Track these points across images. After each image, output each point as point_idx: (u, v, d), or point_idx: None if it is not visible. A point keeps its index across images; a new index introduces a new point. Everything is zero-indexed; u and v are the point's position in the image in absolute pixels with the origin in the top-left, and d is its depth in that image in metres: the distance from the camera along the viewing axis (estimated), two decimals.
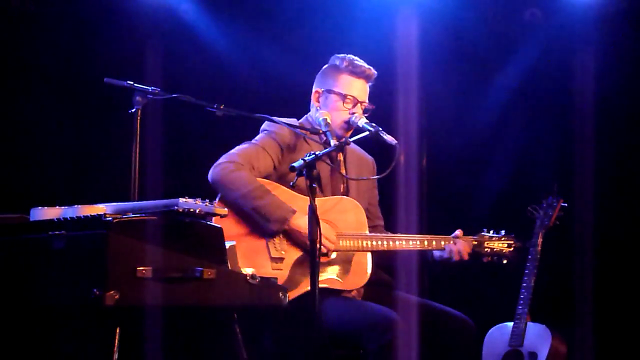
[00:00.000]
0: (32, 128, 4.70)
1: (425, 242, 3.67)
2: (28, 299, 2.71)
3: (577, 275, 4.88)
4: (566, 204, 4.39)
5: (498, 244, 3.82)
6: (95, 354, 2.81)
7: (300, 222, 3.40)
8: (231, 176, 3.44)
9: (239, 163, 3.48)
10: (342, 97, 3.65)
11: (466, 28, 5.35)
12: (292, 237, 3.45)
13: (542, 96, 5.42)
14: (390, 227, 3.93)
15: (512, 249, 3.83)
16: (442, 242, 3.69)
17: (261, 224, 3.41)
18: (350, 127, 3.64)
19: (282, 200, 3.44)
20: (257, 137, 3.64)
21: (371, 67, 3.70)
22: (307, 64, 3.99)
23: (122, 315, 2.60)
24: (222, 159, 3.52)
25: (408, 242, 3.64)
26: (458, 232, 3.74)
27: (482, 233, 3.83)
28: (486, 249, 3.80)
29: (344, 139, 3.32)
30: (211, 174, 3.49)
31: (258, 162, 3.53)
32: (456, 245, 3.68)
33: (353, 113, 3.63)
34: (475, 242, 3.79)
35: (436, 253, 3.71)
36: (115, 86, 3.42)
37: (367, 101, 3.69)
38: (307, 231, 3.23)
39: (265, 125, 3.68)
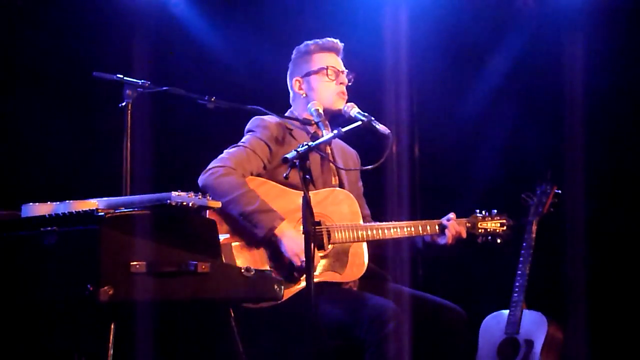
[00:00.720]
0: (21, 124, 4.66)
1: (420, 228, 3.67)
2: (21, 296, 2.69)
3: (571, 261, 4.88)
4: (560, 191, 4.40)
5: (491, 223, 3.83)
6: (90, 350, 2.79)
7: (288, 231, 3.39)
8: (220, 180, 3.42)
9: (229, 167, 3.46)
10: (323, 71, 3.69)
11: (455, 16, 5.34)
12: (280, 243, 3.40)
13: (532, 83, 5.40)
14: (383, 217, 3.91)
15: (505, 227, 3.83)
16: (436, 226, 3.69)
17: (249, 229, 3.39)
18: (345, 95, 3.68)
19: (271, 207, 3.41)
20: (244, 139, 3.63)
21: (336, 40, 3.76)
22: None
23: (117, 311, 2.58)
24: (212, 164, 3.50)
25: (403, 229, 3.63)
26: (451, 214, 3.74)
27: (475, 214, 3.83)
28: (480, 230, 3.80)
29: (337, 130, 3.29)
30: (201, 179, 3.47)
31: (248, 164, 3.52)
32: (452, 226, 3.67)
33: (341, 83, 3.68)
34: (469, 224, 3.79)
35: (427, 237, 3.71)
36: (105, 80, 3.38)
37: (345, 70, 3.73)
38: (294, 240, 3.34)
39: (250, 125, 3.67)
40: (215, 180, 3.42)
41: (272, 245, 3.41)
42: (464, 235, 3.73)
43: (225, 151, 3.57)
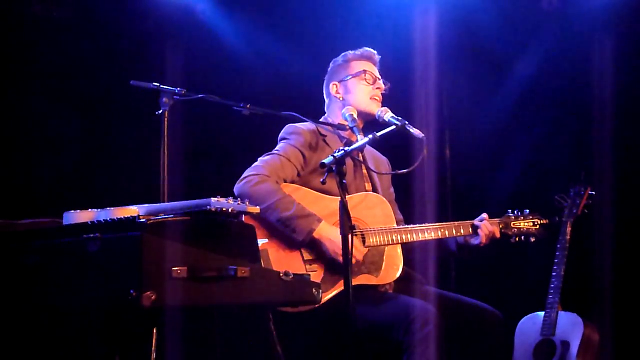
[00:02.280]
0: (58, 133, 4.73)
1: (453, 229, 3.68)
2: (65, 303, 2.72)
3: (605, 262, 4.86)
4: (594, 192, 4.39)
5: (524, 223, 3.84)
6: (131, 355, 2.83)
7: (328, 231, 3.42)
8: (257, 188, 3.46)
9: (263, 175, 3.50)
10: (361, 75, 3.76)
11: (484, 20, 5.34)
12: (319, 245, 3.45)
13: (562, 85, 5.40)
14: (414, 221, 3.91)
15: (538, 226, 3.86)
16: (469, 227, 3.70)
17: (288, 234, 3.43)
18: (380, 100, 3.74)
19: (309, 210, 3.45)
20: (278, 147, 3.67)
21: (374, 51, 3.84)
22: (324, 61, 4.00)
23: (159, 316, 2.61)
24: (247, 172, 3.54)
25: (436, 231, 3.65)
26: (484, 215, 3.75)
27: (508, 214, 3.85)
28: (513, 230, 3.82)
29: (372, 135, 3.31)
30: (237, 188, 3.51)
31: (282, 172, 3.56)
32: (484, 226, 3.68)
33: (377, 88, 3.75)
34: (502, 224, 3.80)
35: (460, 238, 3.71)
36: (142, 88, 3.43)
37: (381, 79, 3.80)
38: (334, 240, 3.37)
39: (284, 133, 3.72)
40: (252, 189, 3.46)
41: (311, 248, 3.44)
42: (498, 235, 3.74)
43: (259, 159, 3.61)
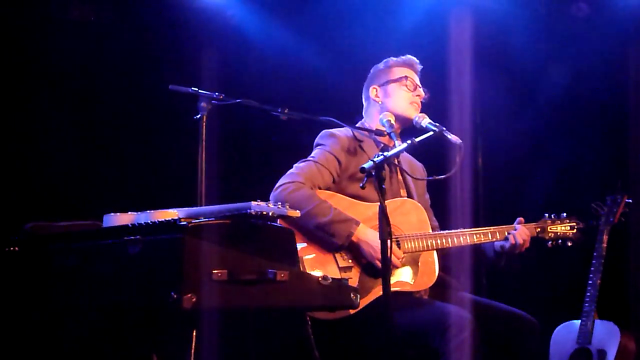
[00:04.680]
0: (98, 137, 4.78)
1: (490, 235, 3.66)
2: (104, 304, 2.74)
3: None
4: (630, 200, 4.36)
5: (561, 227, 3.81)
6: (170, 356, 2.85)
7: (366, 234, 3.43)
8: (293, 195, 3.45)
9: (299, 182, 3.50)
10: (402, 80, 3.75)
11: (517, 26, 5.33)
12: (358, 248, 3.45)
13: (596, 92, 5.37)
14: (448, 227, 3.91)
15: (575, 230, 3.82)
16: (506, 232, 3.68)
17: (326, 239, 3.42)
18: (418, 107, 3.74)
19: (346, 214, 3.45)
20: (313, 153, 3.66)
21: (417, 59, 3.83)
22: (359, 67, 4.01)
23: (199, 318, 2.62)
24: (282, 180, 3.54)
25: (472, 236, 3.63)
26: (520, 219, 3.73)
27: (544, 218, 3.82)
28: (550, 234, 3.80)
29: (410, 140, 3.31)
30: (273, 196, 3.50)
31: (317, 178, 3.56)
32: (517, 232, 3.65)
33: (417, 95, 3.73)
34: (539, 229, 3.78)
35: (497, 244, 3.69)
36: (181, 93, 3.44)
37: (422, 87, 3.79)
38: (371, 244, 3.37)
39: (319, 139, 3.71)
40: (288, 196, 3.45)
41: (347, 253, 3.45)
42: (527, 244, 3.68)
43: (294, 166, 3.61)
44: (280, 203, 2.69)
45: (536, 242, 3.76)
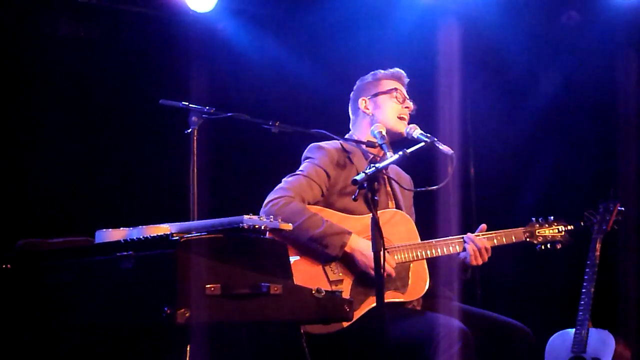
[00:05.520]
0: (88, 153, 4.77)
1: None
2: (98, 320, 2.73)
3: (636, 278, 4.83)
4: (623, 208, 4.36)
5: (549, 230, 3.81)
6: None
7: (359, 244, 3.42)
8: (283, 210, 3.44)
9: (289, 196, 3.49)
10: (391, 92, 3.75)
11: (506, 35, 5.35)
12: (351, 259, 3.44)
13: (586, 100, 5.39)
14: (440, 236, 3.89)
15: (564, 233, 3.81)
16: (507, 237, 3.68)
17: (319, 251, 3.42)
18: (406, 119, 3.73)
19: (338, 225, 3.45)
20: (302, 167, 3.65)
21: (404, 72, 3.84)
22: (347, 80, 4.01)
23: (192, 333, 2.61)
24: (271, 195, 3.53)
25: (462, 244, 3.62)
26: (481, 226, 3.70)
27: (532, 222, 3.81)
28: (539, 237, 3.79)
29: (402, 152, 3.31)
30: (263, 212, 3.48)
31: (306, 192, 3.55)
32: (471, 244, 3.61)
33: (406, 107, 3.73)
34: (527, 233, 3.77)
35: (462, 254, 3.65)
36: (171, 107, 3.44)
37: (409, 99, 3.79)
38: (364, 253, 3.37)
39: (307, 152, 3.70)
40: (278, 211, 3.43)
41: (338, 266, 3.44)
42: (485, 258, 3.63)
43: (283, 180, 3.60)
44: (272, 216, 2.69)
45: (525, 247, 3.74)
